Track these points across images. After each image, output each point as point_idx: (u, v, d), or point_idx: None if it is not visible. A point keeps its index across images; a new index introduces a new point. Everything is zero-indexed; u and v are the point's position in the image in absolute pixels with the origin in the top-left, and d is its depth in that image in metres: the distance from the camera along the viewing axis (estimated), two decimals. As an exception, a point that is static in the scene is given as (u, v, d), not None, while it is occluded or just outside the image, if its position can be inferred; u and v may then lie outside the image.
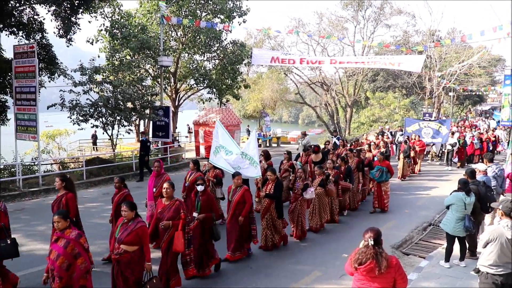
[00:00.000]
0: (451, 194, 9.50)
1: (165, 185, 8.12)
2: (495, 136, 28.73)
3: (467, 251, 9.75)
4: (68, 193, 8.65)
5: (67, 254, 6.16)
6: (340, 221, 13.37)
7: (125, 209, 6.79)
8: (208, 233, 8.97)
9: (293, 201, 11.43)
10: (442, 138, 24.43)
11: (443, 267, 9.51)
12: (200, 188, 9.08)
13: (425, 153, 24.64)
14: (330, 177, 12.74)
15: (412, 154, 20.94)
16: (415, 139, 22.69)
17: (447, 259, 9.57)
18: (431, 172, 22.88)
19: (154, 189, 10.64)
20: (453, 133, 25.02)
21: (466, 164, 24.00)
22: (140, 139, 21.24)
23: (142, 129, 32.51)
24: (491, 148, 25.74)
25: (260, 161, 12.98)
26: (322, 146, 18.65)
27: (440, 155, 27.04)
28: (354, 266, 5.25)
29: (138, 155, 20.61)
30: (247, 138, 38.02)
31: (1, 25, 18.35)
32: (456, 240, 9.49)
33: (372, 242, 5.18)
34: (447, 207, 9.52)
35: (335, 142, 21.23)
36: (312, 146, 17.04)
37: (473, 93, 54.30)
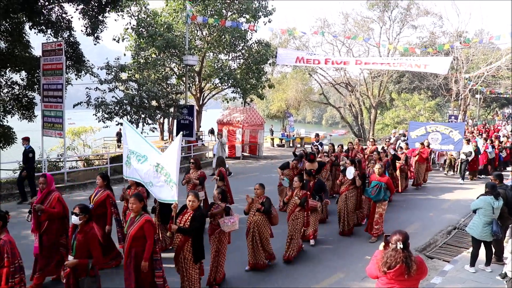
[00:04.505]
0: (478, 198, 9.37)
1: None
2: None
3: (493, 256, 9.59)
4: None
5: None
6: (361, 224, 13.05)
7: None
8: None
9: (210, 233, 8.45)
10: (454, 146, 20.35)
11: (468, 271, 9.35)
12: (74, 220, 6.35)
13: (431, 162, 21.44)
14: (297, 198, 9.72)
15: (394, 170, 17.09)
16: (422, 145, 19.04)
17: (473, 263, 9.41)
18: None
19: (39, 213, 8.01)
20: (468, 141, 20.81)
21: (477, 176, 21.53)
22: (23, 146, 15.72)
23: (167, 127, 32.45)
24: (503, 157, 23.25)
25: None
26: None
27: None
28: (382, 270, 5.17)
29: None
30: (271, 138, 38.35)
31: (31, 23, 18.64)
32: (482, 244, 9.34)
33: (401, 246, 5.11)
34: (474, 211, 9.38)
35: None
36: (308, 153, 14.67)
37: (501, 96, 53.45)
